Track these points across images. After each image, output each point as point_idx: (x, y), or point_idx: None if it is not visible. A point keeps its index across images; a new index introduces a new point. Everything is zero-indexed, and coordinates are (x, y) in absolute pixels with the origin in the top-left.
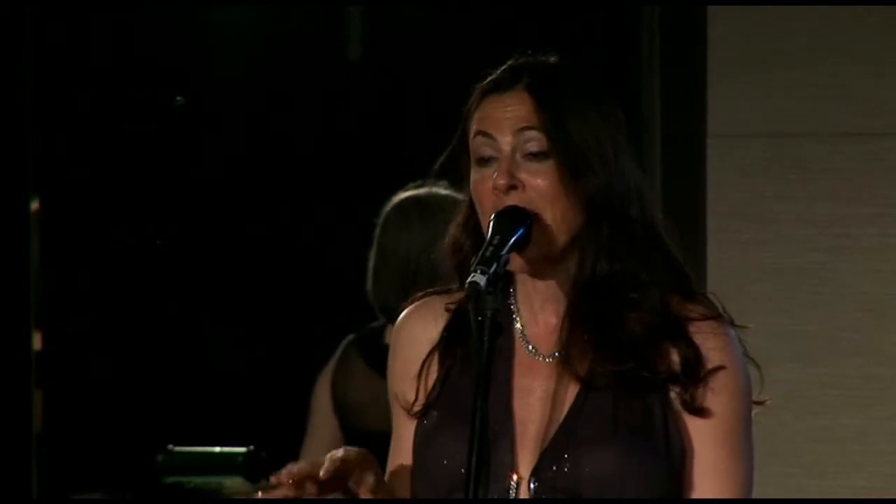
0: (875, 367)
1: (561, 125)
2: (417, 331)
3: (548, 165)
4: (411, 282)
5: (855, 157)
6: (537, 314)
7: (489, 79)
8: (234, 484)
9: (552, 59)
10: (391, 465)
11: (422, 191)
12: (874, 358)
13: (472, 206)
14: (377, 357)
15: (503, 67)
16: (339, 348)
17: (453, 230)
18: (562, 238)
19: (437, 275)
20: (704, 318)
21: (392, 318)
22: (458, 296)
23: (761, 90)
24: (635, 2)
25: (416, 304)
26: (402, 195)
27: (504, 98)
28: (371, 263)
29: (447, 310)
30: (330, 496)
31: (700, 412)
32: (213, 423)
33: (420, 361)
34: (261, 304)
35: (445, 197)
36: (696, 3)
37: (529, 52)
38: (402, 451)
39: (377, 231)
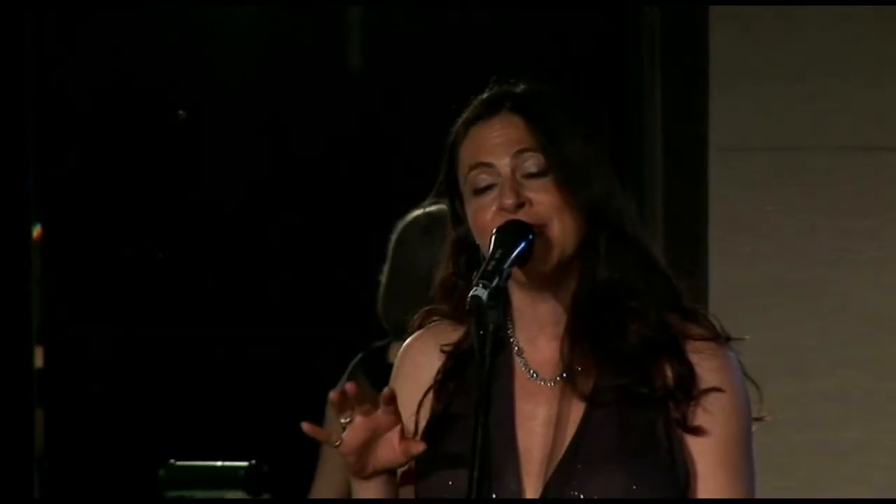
0: (876, 380)
1: (555, 143)
2: (421, 361)
3: (547, 181)
4: (426, 299)
5: (856, 170)
6: (537, 338)
7: (468, 112)
8: (235, 498)
9: (526, 84)
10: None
11: (437, 207)
12: (875, 371)
13: (458, 247)
14: (382, 377)
15: (479, 100)
16: (348, 367)
17: (443, 275)
18: (568, 249)
19: None
20: (703, 338)
21: (403, 335)
22: (456, 335)
23: (763, 103)
24: (636, 12)
25: (421, 332)
26: (418, 212)
27: (491, 124)
28: (384, 280)
29: (443, 352)
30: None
31: (695, 431)
32: (215, 437)
33: (421, 393)
34: (263, 317)
35: None
36: (698, 12)
37: (500, 80)
38: (401, 474)
39: (391, 248)
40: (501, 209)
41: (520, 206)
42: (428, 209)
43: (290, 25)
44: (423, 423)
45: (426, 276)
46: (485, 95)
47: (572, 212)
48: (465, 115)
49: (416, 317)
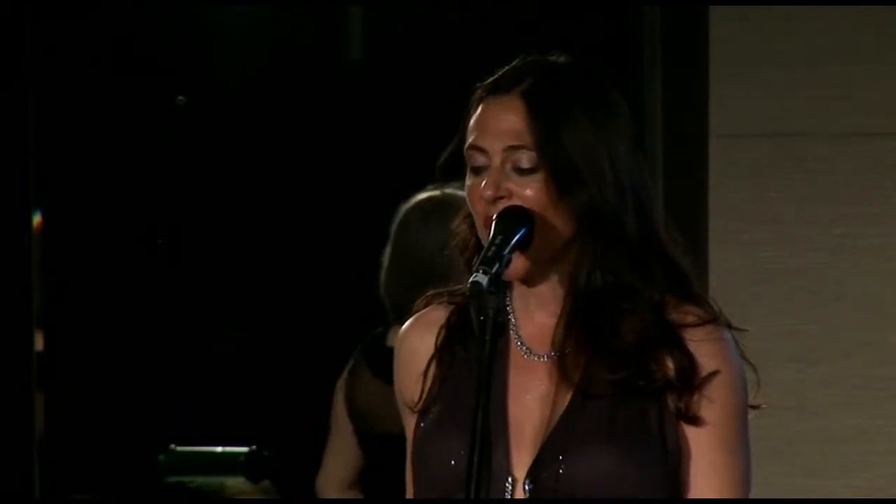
0: (876, 367)
1: (553, 140)
2: (417, 344)
3: (536, 178)
4: (426, 282)
5: (856, 156)
6: (533, 314)
7: (491, 79)
8: (235, 483)
9: (557, 61)
10: (409, 472)
11: (441, 192)
12: (875, 357)
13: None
14: (381, 363)
15: (507, 67)
16: (351, 359)
17: (459, 229)
18: (552, 247)
19: (452, 276)
20: (699, 322)
21: (402, 318)
22: (462, 296)
23: (763, 90)
24: (637, 1)
25: (420, 314)
26: (422, 196)
27: (500, 103)
28: (385, 262)
29: (450, 304)
30: None
31: (695, 420)
32: (216, 423)
33: (422, 369)
34: (263, 304)
35: (464, 199)
36: (698, 4)
37: (535, 52)
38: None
39: (394, 231)
40: (482, 198)
41: (499, 198)
42: (431, 193)
43: (291, 17)
44: (427, 386)
45: (426, 259)
46: (512, 66)
47: (556, 211)
48: (485, 83)
49: (418, 302)
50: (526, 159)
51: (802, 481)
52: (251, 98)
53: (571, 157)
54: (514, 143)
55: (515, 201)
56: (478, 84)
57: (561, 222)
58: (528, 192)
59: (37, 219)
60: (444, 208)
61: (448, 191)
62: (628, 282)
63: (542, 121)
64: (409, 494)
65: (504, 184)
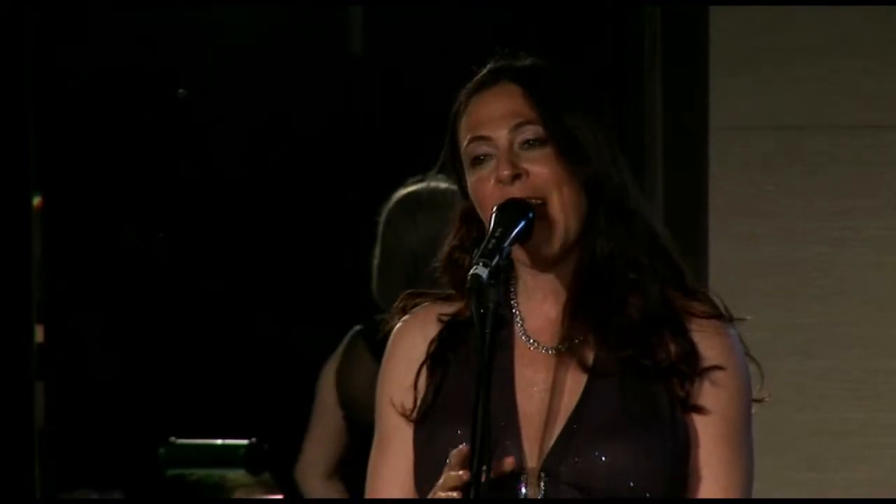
0: (877, 360)
1: (555, 114)
2: (412, 343)
3: (546, 152)
4: (416, 279)
5: (857, 150)
6: (538, 307)
7: (472, 82)
8: (235, 476)
9: (528, 58)
10: (379, 467)
11: (422, 186)
12: (876, 351)
13: (464, 219)
14: (380, 347)
15: (484, 70)
16: (344, 339)
17: (448, 248)
18: (570, 224)
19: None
20: (706, 316)
21: None
22: (454, 307)
23: (763, 83)
24: (637, 1)
25: (413, 314)
26: (403, 192)
27: (492, 95)
28: (375, 262)
29: (440, 321)
30: None
31: (697, 409)
32: (216, 416)
33: (416, 371)
34: (261, 297)
35: (445, 191)
36: (698, 2)
37: (507, 51)
38: (391, 454)
39: (380, 229)
40: (499, 181)
41: (516, 177)
42: (412, 188)
43: (293, 9)
44: (420, 395)
45: (411, 257)
46: (487, 67)
47: (571, 185)
48: (467, 86)
49: (398, 301)
50: (532, 132)
51: (802, 475)
52: (252, 94)
53: (573, 130)
54: (519, 120)
55: (534, 180)
56: (461, 91)
57: (575, 198)
58: (543, 167)
59: (36, 199)
60: (424, 203)
61: (429, 184)
62: (634, 255)
63: (541, 97)
64: (380, 492)
65: (518, 163)
